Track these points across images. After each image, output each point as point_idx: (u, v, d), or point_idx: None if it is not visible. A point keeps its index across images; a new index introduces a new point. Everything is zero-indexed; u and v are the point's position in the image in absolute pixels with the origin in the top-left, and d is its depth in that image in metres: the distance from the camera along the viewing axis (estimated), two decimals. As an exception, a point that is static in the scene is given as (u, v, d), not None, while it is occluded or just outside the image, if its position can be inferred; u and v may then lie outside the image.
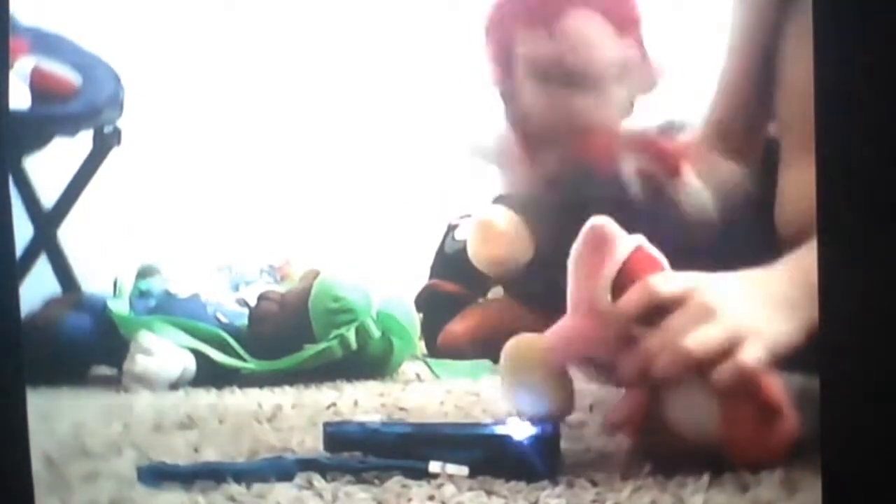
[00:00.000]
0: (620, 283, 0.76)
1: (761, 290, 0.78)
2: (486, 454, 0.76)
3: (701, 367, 0.72)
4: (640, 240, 0.78)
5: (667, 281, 0.76)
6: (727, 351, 0.72)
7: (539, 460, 0.75)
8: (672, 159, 1.01)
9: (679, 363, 0.72)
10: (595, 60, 1.06)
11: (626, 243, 0.77)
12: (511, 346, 0.83)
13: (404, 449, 0.77)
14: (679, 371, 0.73)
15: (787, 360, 0.75)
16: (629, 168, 1.00)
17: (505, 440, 0.77)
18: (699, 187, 1.02)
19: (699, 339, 0.73)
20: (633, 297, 0.75)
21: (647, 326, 0.75)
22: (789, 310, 0.75)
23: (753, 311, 0.76)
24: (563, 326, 0.80)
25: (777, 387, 0.73)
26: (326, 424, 0.84)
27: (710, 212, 1.00)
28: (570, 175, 1.03)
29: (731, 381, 0.72)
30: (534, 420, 0.80)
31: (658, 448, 0.75)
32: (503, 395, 0.88)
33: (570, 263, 0.80)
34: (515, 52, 1.12)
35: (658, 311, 0.75)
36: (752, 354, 0.72)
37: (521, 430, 0.78)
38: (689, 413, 0.73)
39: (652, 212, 0.98)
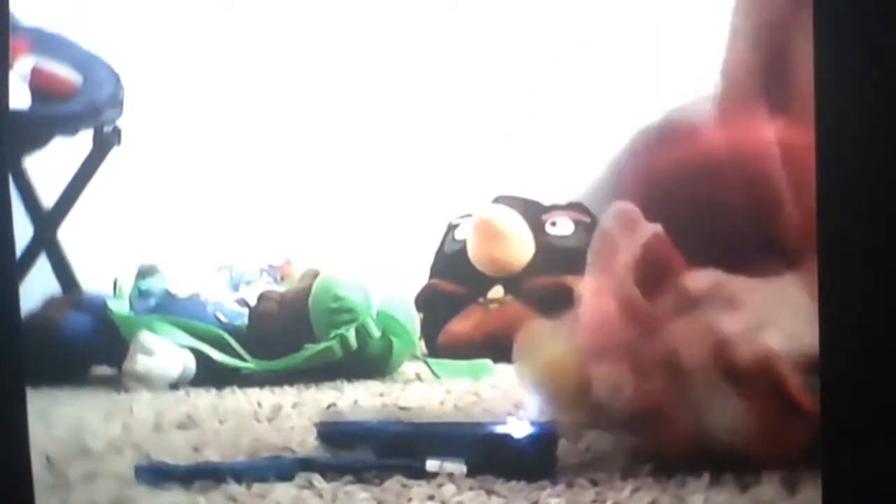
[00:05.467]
0: (644, 267, 0.76)
1: (779, 299, 0.78)
2: (482, 453, 0.76)
3: (724, 355, 0.73)
4: (657, 228, 0.78)
5: (699, 279, 0.76)
6: (752, 335, 0.73)
7: (535, 460, 0.75)
8: None
9: (707, 346, 0.73)
10: None
11: (648, 227, 0.78)
12: (529, 339, 0.82)
13: (400, 448, 0.77)
14: (707, 354, 0.73)
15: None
16: None
17: (502, 439, 0.77)
18: None
19: (727, 320, 0.74)
20: (669, 300, 0.75)
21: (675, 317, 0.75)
22: (807, 320, 0.75)
23: (774, 308, 0.76)
24: (583, 314, 0.79)
25: (799, 382, 0.73)
26: (320, 424, 0.84)
27: None
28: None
29: (754, 362, 0.72)
30: (531, 419, 0.80)
31: (668, 447, 0.75)
32: (522, 386, 0.85)
33: (591, 248, 0.80)
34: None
35: (689, 305, 0.75)
36: (775, 339, 0.73)
37: (518, 430, 0.78)
38: (709, 408, 0.73)
39: None
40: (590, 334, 0.79)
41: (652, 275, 0.76)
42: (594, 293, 0.79)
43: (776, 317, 0.75)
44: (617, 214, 0.78)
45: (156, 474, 0.76)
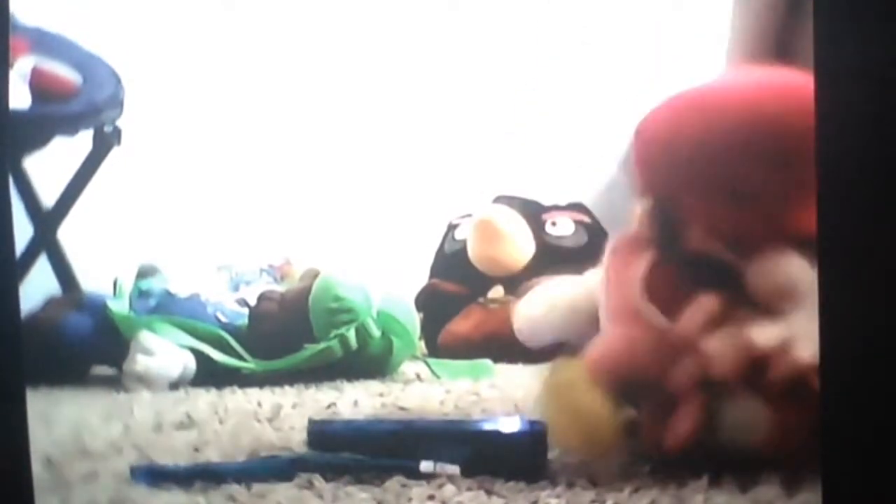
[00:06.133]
0: (652, 292, 0.76)
1: (808, 312, 0.77)
2: (473, 451, 0.76)
3: (757, 370, 0.72)
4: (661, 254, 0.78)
5: (719, 298, 0.76)
6: (785, 349, 0.72)
7: (527, 457, 0.75)
8: None
9: (742, 361, 0.72)
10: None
11: (651, 253, 0.77)
12: (554, 373, 0.79)
13: (391, 446, 0.77)
14: (740, 371, 0.72)
15: None
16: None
17: (492, 437, 0.77)
18: None
19: (760, 334, 0.73)
20: (690, 318, 0.75)
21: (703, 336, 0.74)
22: None
23: (803, 323, 0.75)
24: (604, 341, 0.78)
25: None
26: (311, 422, 0.84)
27: None
28: None
29: (788, 377, 0.72)
30: (523, 417, 0.79)
31: (701, 460, 0.74)
32: (549, 431, 0.80)
33: (602, 277, 0.79)
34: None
35: (713, 326, 0.74)
36: (807, 352, 0.72)
37: (509, 427, 0.78)
38: (740, 425, 0.73)
39: None
40: (615, 363, 0.77)
41: (663, 298, 0.76)
42: (615, 324, 0.78)
43: (808, 328, 0.74)
44: (620, 241, 0.78)
45: (151, 475, 0.76)
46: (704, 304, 0.75)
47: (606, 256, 0.78)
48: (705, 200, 0.77)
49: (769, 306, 0.75)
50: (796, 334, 0.73)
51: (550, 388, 0.78)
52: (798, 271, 0.75)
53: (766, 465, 0.71)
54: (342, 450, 0.77)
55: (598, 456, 0.77)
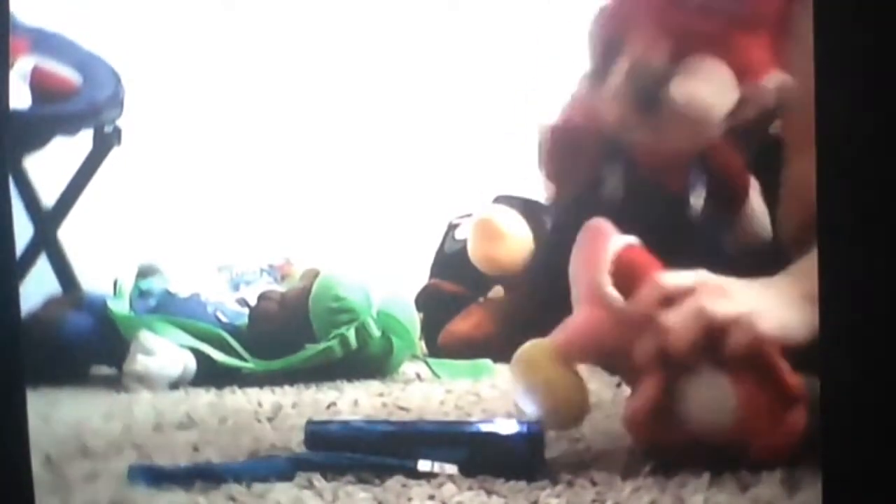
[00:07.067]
0: (619, 275, 0.77)
1: (767, 293, 0.78)
2: (470, 452, 0.76)
3: (716, 347, 0.73)
4: (634, 239, 0.79)
5: (674, 276, 0.77)
6: (741, 322, 0.73)
7: (522, 458, 0.75)
8: (742, 175, 0.94)
9: (699, 335, 0.73)
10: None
11: (621, 238, 0.79)
12: (521, 352, 0.82)
13: (388, 448, 0.77)
14: (698, 345, 0.73)
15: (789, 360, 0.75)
16: (698, 183, 0.92)
17: (489, 438, 0.77)
18: (763, 209, 0.95)
19: (719, 307, 0.74)
20: (643, 296, 0.76)
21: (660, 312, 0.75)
22: (794, 312, 0.75)
23: (761, 301, 0.76)
24: (569, 322, 0.80)
25: (792, 373, 0.73)
26: (309, 423, 0.84)
27: (767, 236, 0.94)
28: (632, 188, 0.95)
29: (745, 351, 0.72)
30: (520, 419, 0.80)
31: (665, 446, 0.75)
32: (521, 404, 0.84)
33: (571, 264, 0.80)
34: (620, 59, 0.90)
35: (670, 303, 0.75)
36: (765, 326, 0.73)
37: (505, 428, 0.78)
38: (704, 401, 0.73)
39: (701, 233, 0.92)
40: (580, 342, 0.79)
41: (629, 280, 0.77)
42: (582, 305, 0.79)
43: (766, 306, 0.75)
44: (589, 230, 0.79)
45: (151, 475, 0.76)
46: (656, 282, 0.76)
47: (577, 242, 0.80)
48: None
49: None
50: (754, 308, 0.74)
51: (520, 367, 0.81)
52: None
53: (765, 465, 0.71)
54: (339, 451, 0.78)
55: (569, 427, 0.82)
